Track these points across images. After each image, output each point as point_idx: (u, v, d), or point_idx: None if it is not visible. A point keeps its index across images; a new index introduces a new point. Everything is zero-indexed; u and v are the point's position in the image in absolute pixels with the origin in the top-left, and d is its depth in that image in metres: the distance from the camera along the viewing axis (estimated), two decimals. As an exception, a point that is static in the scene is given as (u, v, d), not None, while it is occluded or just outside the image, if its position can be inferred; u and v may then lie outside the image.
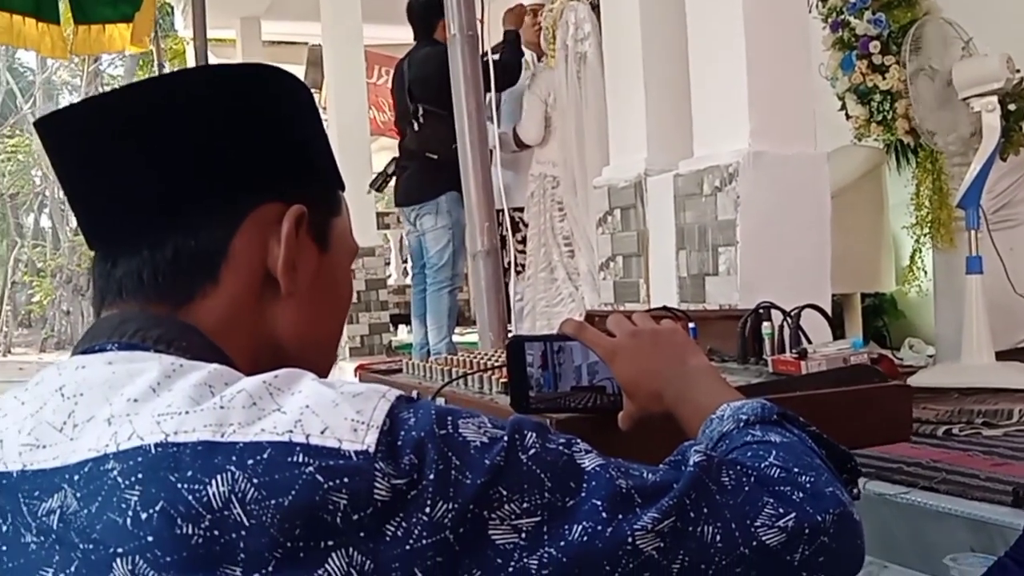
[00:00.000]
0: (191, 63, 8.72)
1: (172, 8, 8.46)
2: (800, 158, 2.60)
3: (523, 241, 4.29)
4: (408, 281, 6.54)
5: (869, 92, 3.55)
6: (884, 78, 3.48)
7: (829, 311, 2.03)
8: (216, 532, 0.45)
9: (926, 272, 3.54)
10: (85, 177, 0.61)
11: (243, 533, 0.45)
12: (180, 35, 9.89)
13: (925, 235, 3.17)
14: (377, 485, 0.46)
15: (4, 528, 0.50)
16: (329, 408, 0.49)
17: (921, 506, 1.50)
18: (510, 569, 0.48)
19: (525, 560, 0.48)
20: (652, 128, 3.14)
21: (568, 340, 0.82)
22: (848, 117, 3.68)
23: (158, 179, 0.58)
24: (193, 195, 0.59)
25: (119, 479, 0.47)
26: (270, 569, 0.45)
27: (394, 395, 0.51)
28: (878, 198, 3.61)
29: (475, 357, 1.32)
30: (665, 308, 1.51)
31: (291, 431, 0.47)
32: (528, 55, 4.40)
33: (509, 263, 3.97)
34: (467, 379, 1.16)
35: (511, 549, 0.48)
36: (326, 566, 0.45)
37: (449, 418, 0.50)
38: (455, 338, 4.40)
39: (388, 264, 7.69)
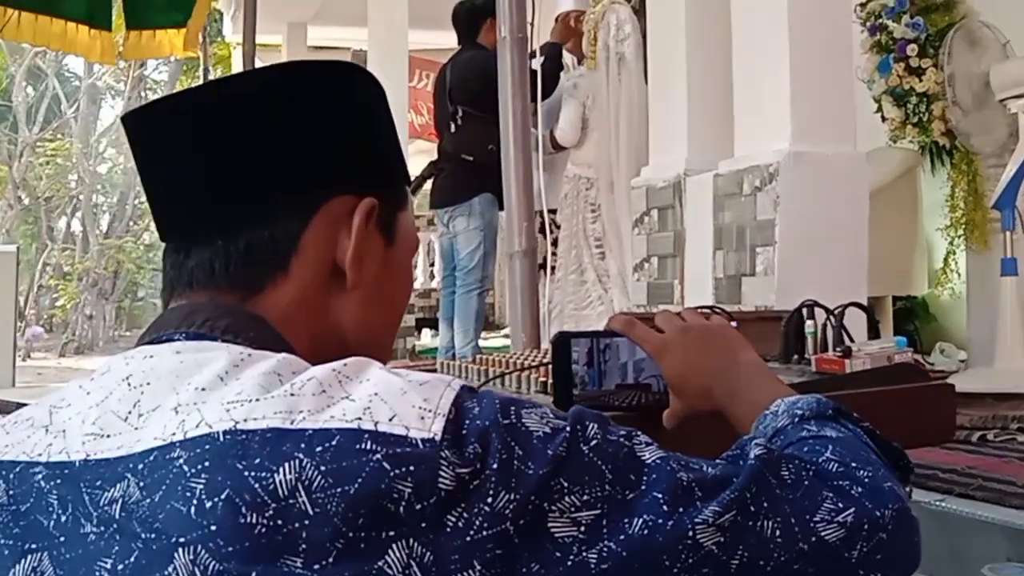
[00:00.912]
0: (237, 68, 8.85)
1: (220, 14, 8.61)
2: (840, 158, 2.61)
3: (555, 243, 4.31)
4: (434, 285, 6.60)
5: (906, 94, 3.57)
6: (921, 80, 3.50)
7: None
8: (280, 522, 0.45)
9: (959, 274, 3.53)
10: (164, 169, 0.62)
11: (306, 523, 0.45)
12: (227, 40, 10.02)
13: (959, 237, 3.18)
14: (442, 474, 0.46)
15: (63, 518, 0.49)
16: (397, 395, 0.49)
17: (957, 514, 1.47)
18: (569, 563, 0.48)
19: (584, 554, 0.48)
20: (693, 128, 3.16)
21: (615, 336, 0.82)
22: (884, 119, 3.69)
23: (235, 171, 0.60)
24: (269, 187, 0.60)
25: (185, 467, 0.47)
26: (331, 560, 0.44)
27: (458, 384, 0.51)
28: (912, 200, 3.61)
29: (509, 358, 1.30)
30: (708, 307, 1.52)
31: (360, 418, 0.47)
32: (569, 59, 4.43)
33: (540, 265, 4.00)
34: (504, 379, 1.14)
35: (570, 543, 0.48)
36: (386, 557, 0.45)
37: (512, 408, 0.51)
38: (480, 342, 4.43)
39: (415, 267, 7.77)
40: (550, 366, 0.90)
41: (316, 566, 0.44)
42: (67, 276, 17.92)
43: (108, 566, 0.47)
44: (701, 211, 2.87)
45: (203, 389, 0.50)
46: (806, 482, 0.56)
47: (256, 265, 0.60)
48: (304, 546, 0.44)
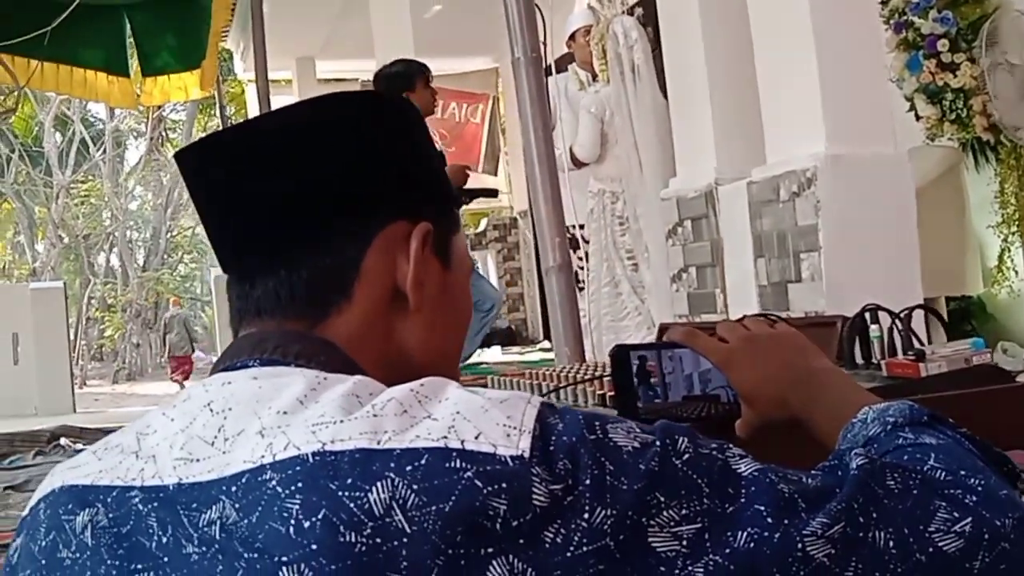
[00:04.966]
0: (251, 104, 8.99)
1: (230, 53, 8.80)
2: (880, 159, 2.55)
3: (583, 258, 4.32)
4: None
5: (940, 91, 3.47)
6: (955, 76, 3.40)
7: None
8: (378, 540, 0.45)
9: (1016, 272, 3.41)
10: (222, 203, 0.64)
11: (405, 541, 0.45)
12: (239, 78, 10.22)
13: (1013, 233, 3.07)
14: (535, 490, 0.46)
15: (164, 539, 0.50)
16: (479, 413, 0.49)
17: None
18: None
19: (690, 568, 0.47)
20: (720, 136, 3.12)
21: (677, 348, 0.80)
22: (919, 118, 3.59)
23: (295, 202, 0.61)
24: (329, 216, 0.61)
25: (279, 488, 0.47)
26: None
27: (538, 400, 0.51)
28: (959, 198, 3.50)
29: (558, 371, 1.29)
30: (764, 315, 1.49)
31: (446, 437, 0.47)
32: (583, 75, 4.46)
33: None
34: (559, 392, 1.13)
35: (673, 557, 0.47)
36: (487, 574, 0.45)
37: (597, 423, 0.50)
38: (513, 356, 4.37)
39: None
40: (610, 380, 0.86)
41: None
42: (111, 308, 18.94)
43: None
44: (737, 219, 2.80)
45: (285, 413, 0.51)
46: (915, 491, 0.53)
47: (320, 292, 0.61)
48: (405, 563, 0.44)
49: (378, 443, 0.47)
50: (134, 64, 6.10)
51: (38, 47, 5.35)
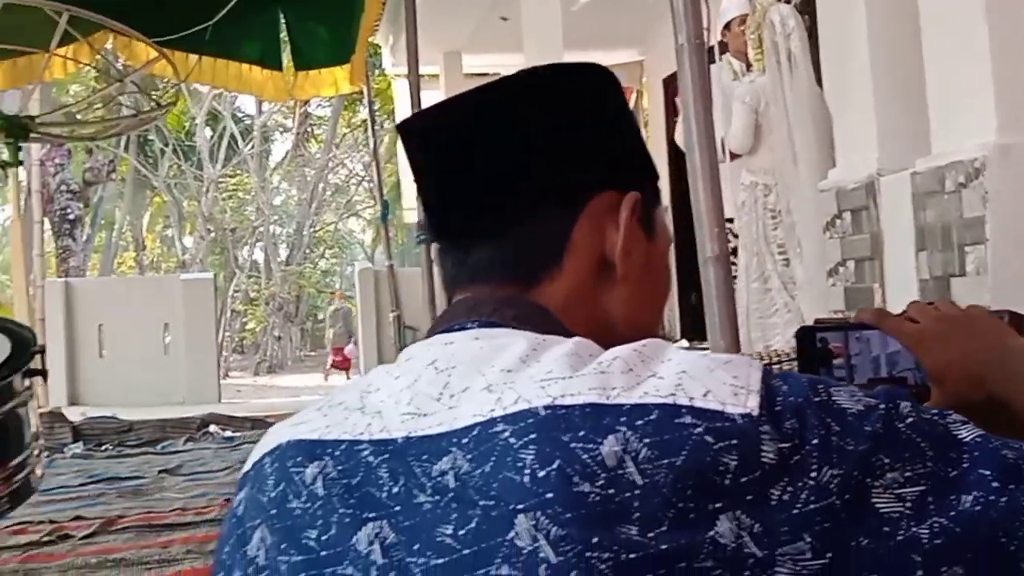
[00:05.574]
0: (401, 100, 9.18)
1: (377, 47, 8.95)
2: (1055, 149, 2.44)
3: (734, 252, 4.26)
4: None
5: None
6: None
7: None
8: (611, 491, 0.46)
9: None
10: (442, 172, 0.66)
11: (636, 492, 0.46)
12: (386, 72, 10.46)
13: None
14: (764, 448, 0.46)
15: (395, 490, 0.52)
16: (706, 373, 0.50)
17: None
18: (899, 537, 0.47)
19: (914, 529, 0.47)
20: (883, 125, 3.03)
21: (863, 329, 0.78)
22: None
23: (514, 171, 0.63)
24: (543, 186, 0.63)
25: (511, 440, 0.48)
26: (664, 529, 0.45)
27: (759, 364, 0.52)
28: None
29: None
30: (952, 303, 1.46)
31: (674, 394, 0.48)
32: (736, 65, 4.40)
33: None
34: None
35: (897, 518, 0.47)
36: (716, 528, 0.45)
37: (821, 386, 0.51)
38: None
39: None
40: (796, 361, 0.86)
41: (651, 534, 0.45)
42: (254, 301, 19.57)
43: (449, 531, 0.49)
44: (899, 211, 2.74)
45: (509, 370, 0.52)
46: None
47: (533, 260, 0.63)
48: (637, 515, 0.45)
49: (607, 398, 0.48)
50: (286, 58, 6.13)
51: (199, 41, 5.39)
